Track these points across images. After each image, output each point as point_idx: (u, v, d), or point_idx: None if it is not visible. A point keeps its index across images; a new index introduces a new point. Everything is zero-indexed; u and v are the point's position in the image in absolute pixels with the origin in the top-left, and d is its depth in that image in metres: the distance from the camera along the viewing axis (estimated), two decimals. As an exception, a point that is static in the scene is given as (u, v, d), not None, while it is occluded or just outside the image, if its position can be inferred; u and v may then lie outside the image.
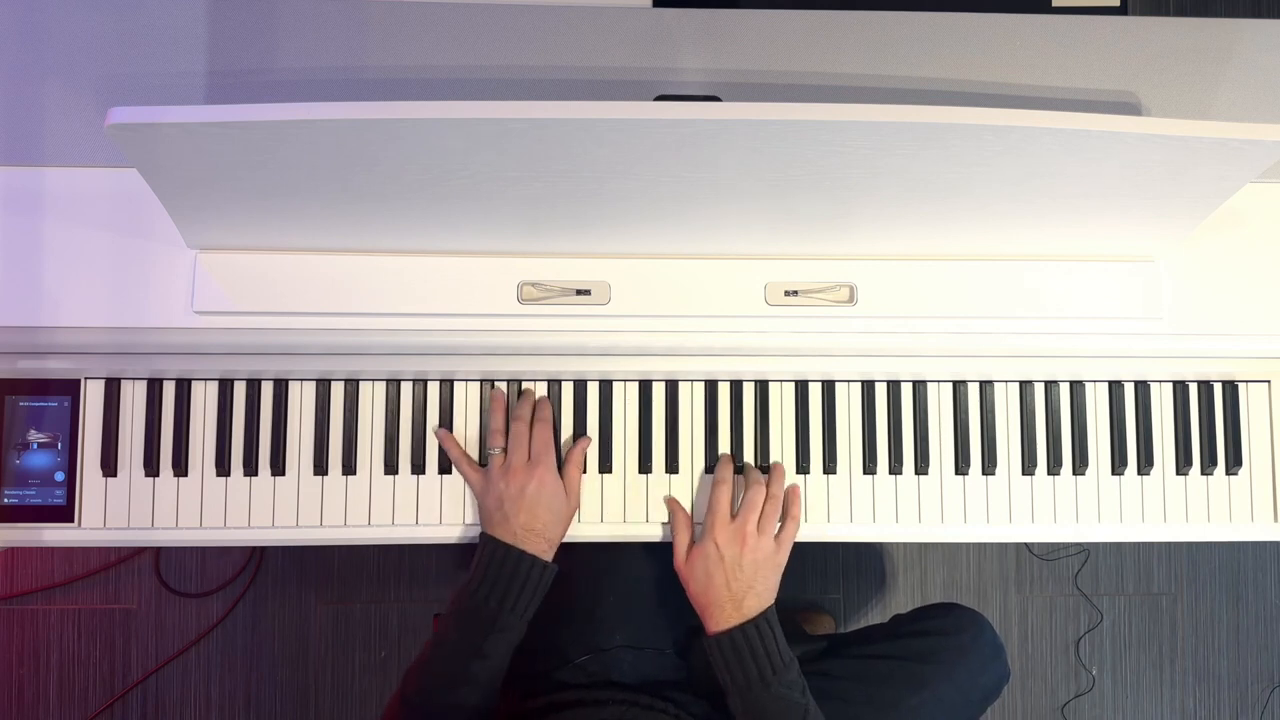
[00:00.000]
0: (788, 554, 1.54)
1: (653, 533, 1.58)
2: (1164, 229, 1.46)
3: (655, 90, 1.56)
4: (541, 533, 1.48)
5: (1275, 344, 1.56)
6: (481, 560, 1.47)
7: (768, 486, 1.54)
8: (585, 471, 1.59)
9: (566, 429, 1.60)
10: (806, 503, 1.59)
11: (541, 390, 1.59)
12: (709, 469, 1.59)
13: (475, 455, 1.58)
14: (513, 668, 1.51)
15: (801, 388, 1.61)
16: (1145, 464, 1.62)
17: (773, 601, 1.50)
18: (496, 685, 1.45)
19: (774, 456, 1.60)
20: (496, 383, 1.58)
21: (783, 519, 1.55)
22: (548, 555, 1.49)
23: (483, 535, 1.50)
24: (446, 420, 1.58)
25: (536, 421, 1.54)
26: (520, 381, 1.59)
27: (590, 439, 1.59)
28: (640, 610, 1.62)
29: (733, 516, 1.51)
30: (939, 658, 1.65)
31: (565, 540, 1.56)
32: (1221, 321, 1.54)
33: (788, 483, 1.58)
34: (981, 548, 2.77)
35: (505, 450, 1.52)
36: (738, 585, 1.47)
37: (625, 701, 1.53)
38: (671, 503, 1.57)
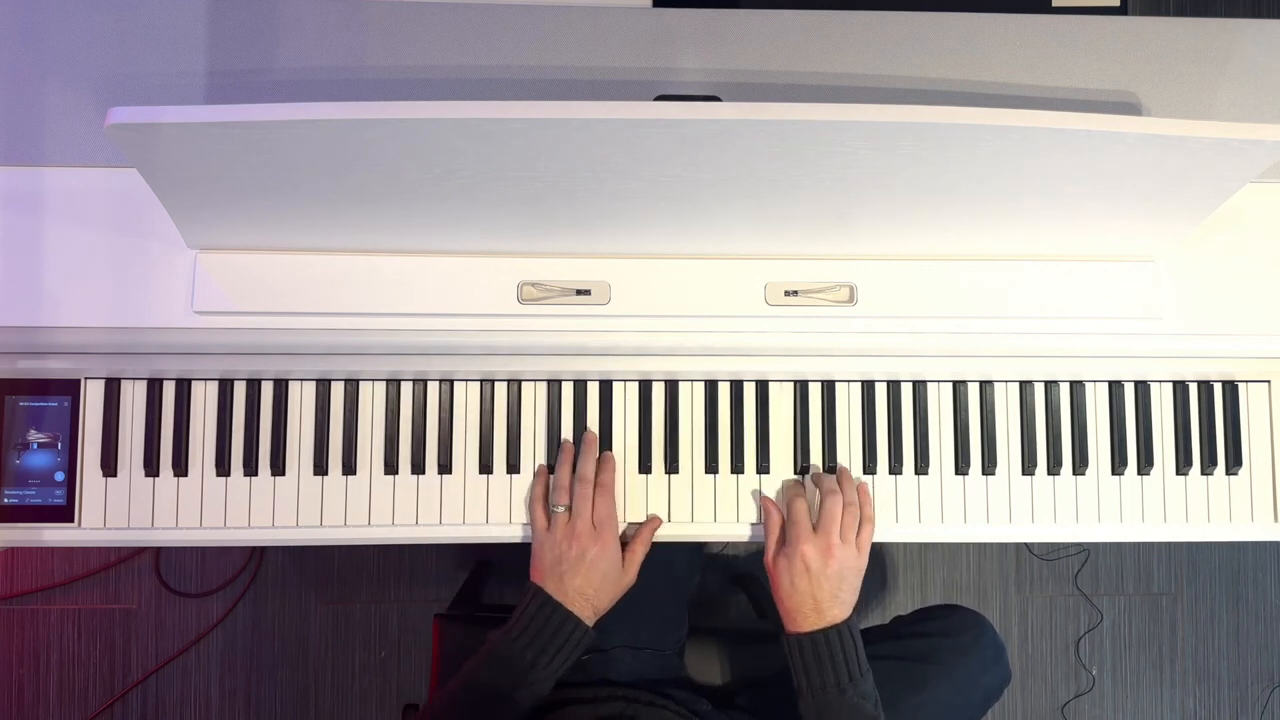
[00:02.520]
0: (867, 559, 1.53)
1: (661, 533, 1.58)
2: (1164, 229, 1.46)
3: (655, 90, 1.56)
4: (592, 599, 1.49)
5: (1275, 344, 1.56)
6: (527, 610, 1.47)
7: (842, 492, 1.53)
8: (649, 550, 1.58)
9: (567, 429, 1.60)
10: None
11: (541, 390, 1.59)
12: (709, 469, 1.59)
13: (476, 462, 1.58)
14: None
15: (801, 388, 1.61)
16: (1145, 464, 1.62)
17: (853, 609, 1.50)
18: None
19: (774, 457, 1.60)
20: (496, 382, 1.59)
21: (861, 520, 1.54)
22: (589, 620, 1.49)
23: (532, 585, 1.50)
24: (446, 420, 1.58)
25: (600, 487, 1.54)
26: (520, 381, 1.59)
27: (661, 520, 1.59)
28: (639, 611, 1.61)
29: (814, 526, 1.51)
30: (940, 658, 1.65)
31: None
32: (1221, 321, 1.54)
33: (857, 482, 1.60)
34: (982, 548, 2.77)
35: (569, 508, 1.52)
36: (823, 594, 1.47)
37: (627, 698, 1.54)
38: (766, 502, 1.57)
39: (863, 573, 1.52)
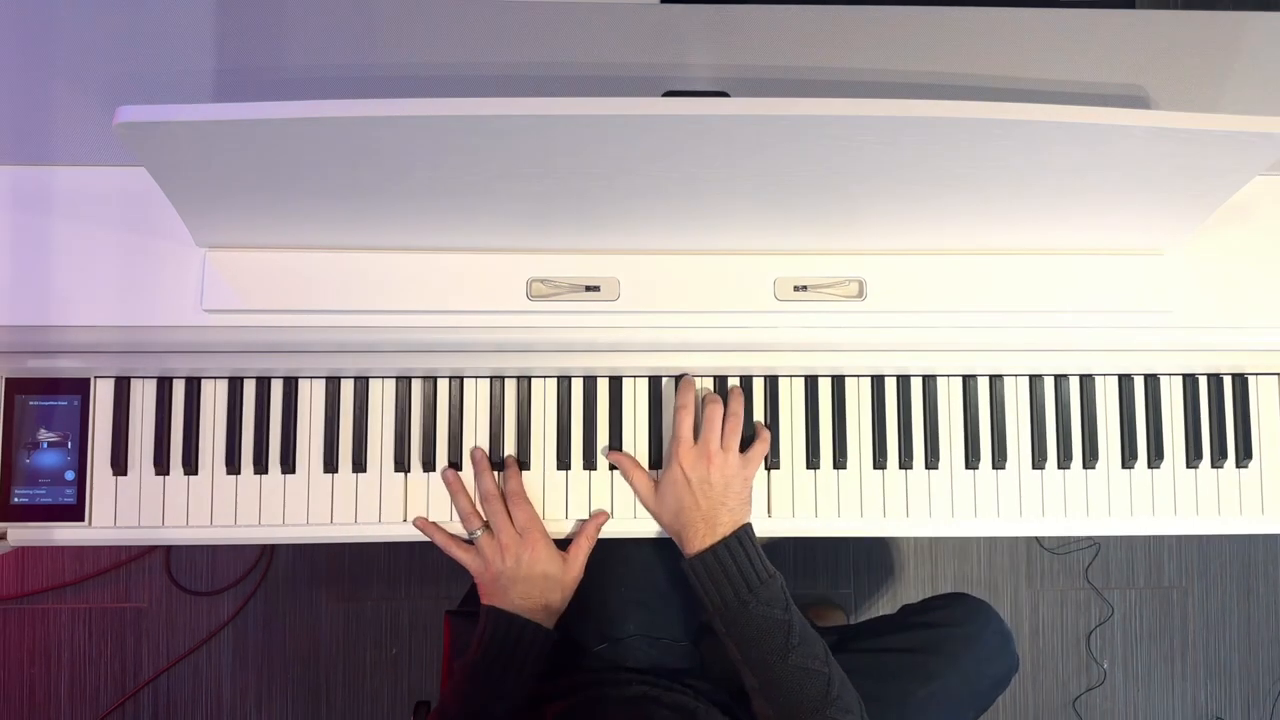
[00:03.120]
0: (756, 468, 1.55)
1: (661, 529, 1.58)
2: (1173, 222, 1.46)
3: (663, 86, 1.56)
4: (539, 599, 1.51)
5: (1285, 337, 1.56)
6: (484, 632, 1.50)
7: (726, 405, 1.54)
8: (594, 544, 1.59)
9: (577, 426, 1.60)
10: (817, 498, 1.59)
11: (551, 387, 1.59)
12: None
13: (485, 447, 1.58)
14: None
15: (811, 383, 1.61)
16: (1155, 457, 1.62)
17: (748, 518, 1.51)
18: None
19: (784, 451, 1.60)
20: (506, 379, 1.59)
21: (753, 438, 1.56)
22: (548, 622, 1.52)
23: (482, 608, 1.52)
24: (456, 418, 1.58)
25: (510, 496, 1.55)
26: (530, 378, 1.59)
27: (608, 515, 1.59)
28: (653, 601, 1.62)
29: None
30: (947, 649, 1.65)
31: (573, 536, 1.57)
32: (1231, 314, 1.54)
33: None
34: (992, 542, 2.77)
35: (486, 527, 1.54)
36: (708, 503, 1.48)
37: (646, 683, 1.54)
38: (612, 455, 1.58)
39: (750, 483, 1.54)
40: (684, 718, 1.48)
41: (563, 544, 1.57)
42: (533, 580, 1.51)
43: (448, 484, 1.57)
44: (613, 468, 1.59)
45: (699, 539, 1.47)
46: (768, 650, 1.43)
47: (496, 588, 1.51)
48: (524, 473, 1.58)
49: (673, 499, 1.50)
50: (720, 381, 1.60)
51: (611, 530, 1.59)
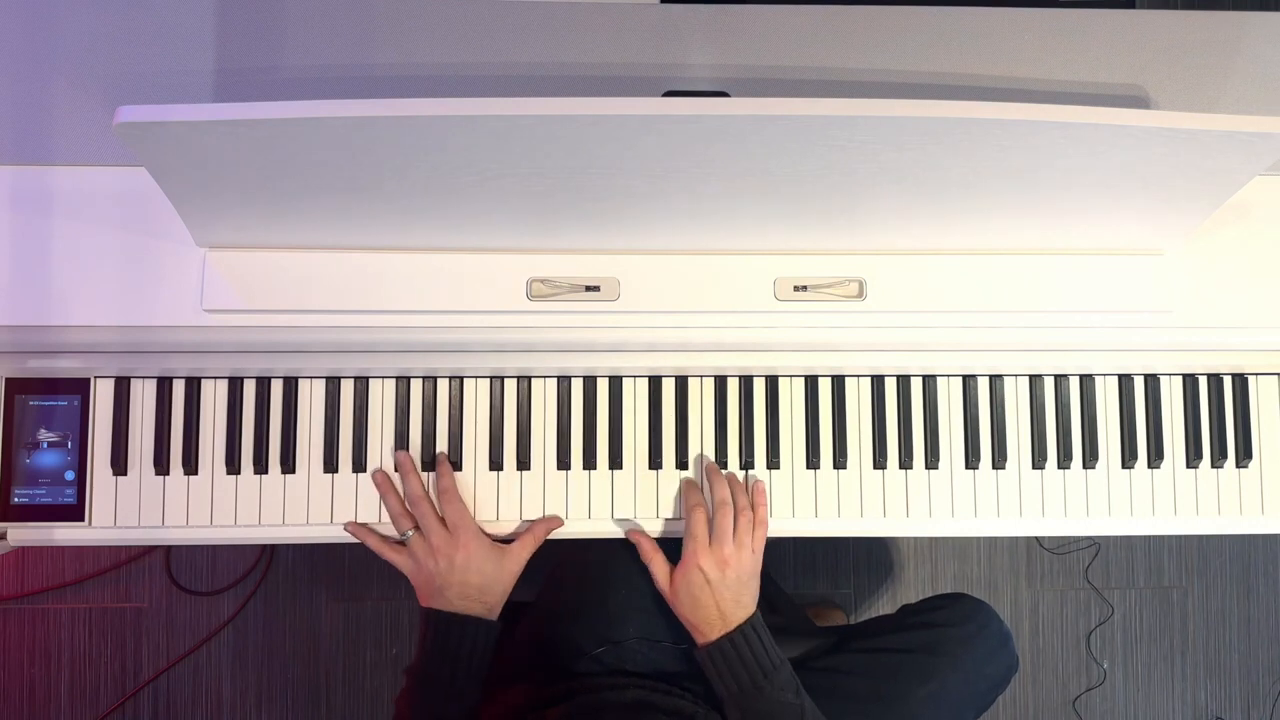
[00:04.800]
0: (762, 557, 1.55)
1: (669, 529, 1.58)
2: (1172, 222, 1.46)
3: (663, 86, 1.56)
4: (476, 597, 1.51)
5: (1285, 336, 1.56)
6: (425, 635, 1.51)
7: (734, 501, 1.55)
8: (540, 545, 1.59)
9: (577, 426, 1.60)
10: (817, 498, 1.59)
11: (551, 387, 1.59)
12: (718, 465, 1.59)
13: (486, 458, 1.58)
14: (529, 659, 1.55)
15: (811, 383, 1.61)
16: (1155, 457, 1.62)
17: (755, 607, 1.52)
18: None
19: (784, 452, 1.60)
20: (506, 379, 1.59)
21: (754, 524, 1.55)
22: (487, 614, 1.52)
23: (421, 610, 1.53)
24: (456, 418, 1.58)
25: (443, 493, 1.55)
26: (530, 378, 1.59)
27: (561, 521, 1.59)
28: (652, 604, 1.62)
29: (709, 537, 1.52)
30: (946, 648, 1.65)
31: (578, 536, 1.58)
32: (1231, 314, 1.54)
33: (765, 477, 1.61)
34: (992, 542, 2.77)
35: (416, 529, 1.54)
36: (725, 603, 1.49)
37: (645, 688, 1.55)
38: (634, 535, 1.58)
39: (759, 574, 1.54)
40: None
41: (578, 541, 1.59)
42: (468, 580, 1.50)
43: (377, 485, 1.57)
44: (615, 466, 1.59)
45: (713, 631, 1.49)
46: None
47: (432, 589, 1.51)
48: (523, 473, 1.58)
49: (689, 596, 1.50)
50: (720, 382, 1.60)
51: (611, 530, 1.59)
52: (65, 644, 2.64)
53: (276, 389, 1.57)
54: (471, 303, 1.47)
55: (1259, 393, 1.64)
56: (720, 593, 1.49)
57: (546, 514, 1.58)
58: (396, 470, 1.58)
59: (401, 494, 1.56)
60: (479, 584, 1.51)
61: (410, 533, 1.53)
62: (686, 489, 1.58)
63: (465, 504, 1.56)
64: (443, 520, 1.53)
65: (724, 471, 1.60)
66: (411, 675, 1.50)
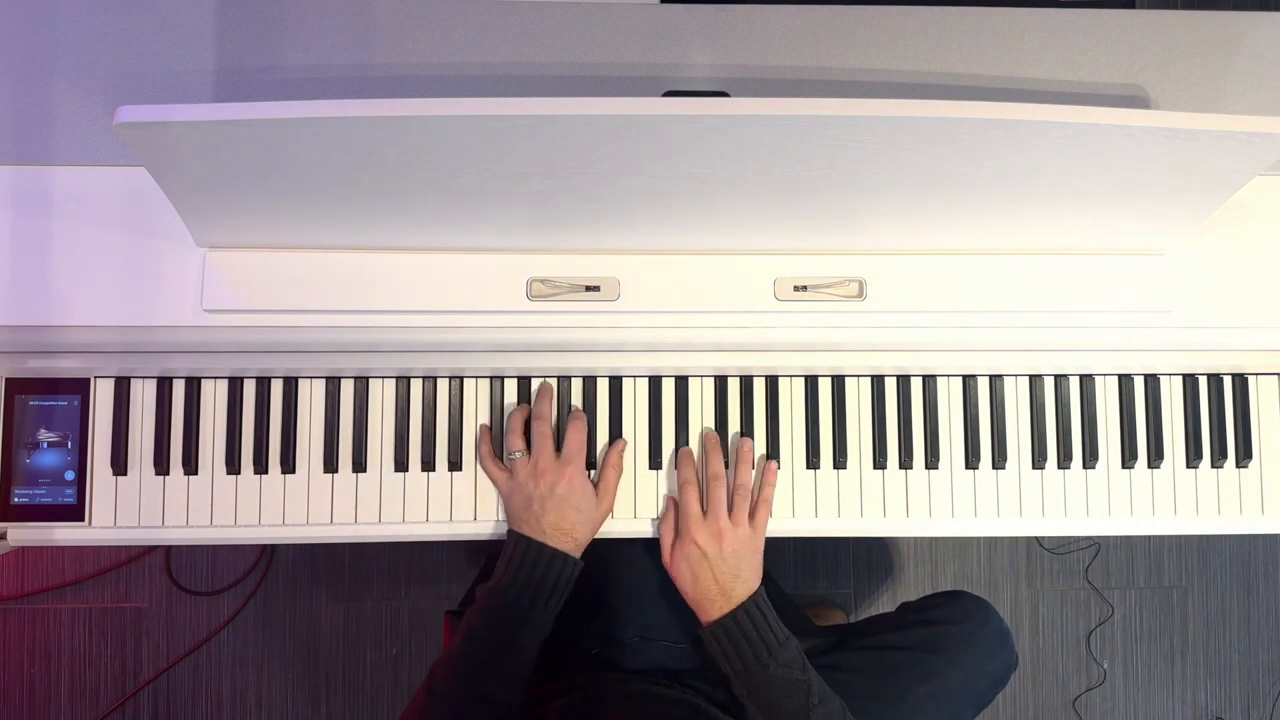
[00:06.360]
0: (764, 534, 1.55)
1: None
2: (1172, 222, 1.46)
3: (663, 86, 1.56)
4: (570, 532, 1.49)
5: (1284, 336, 1.56)
6: (513, 558, 1.48)
7: (737, 476, 1.55)
8: (622, 474, 1.59)
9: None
10: (817, 498, 1.59)
11: (551, 385, 1.59)
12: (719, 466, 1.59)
13: (486, 446, 1.58)
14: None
15: (811, 383, 1.61)
16: (1155, 457, 1.62)
17: (759, 583, 1.51)
18: (525, 678, 1.46)
19: (784, 452, 1.60)
20: (506, 379, 1.59)
21: (756, 502, 1.56)
22: (575, 553, 1.50)
23: (511, 533, 1.51)
24: (456, 417, 1.58)
25: (572, 416, 1.55)
26: (530, 378, 1.59)
27: (625, 442, 1.59)
28: (652, 602, 1.62)
29: (704, 511, 1.52)
30: (945, 646, 1.65)
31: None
32: (1230, 314, 1.54)
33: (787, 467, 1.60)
34: (992, 542, 2.77)
35: (527, 451, 1.53)
36: (724, 577, 1.48)
37: (646, 682, 1.55)
38: (669, 501, 1.58)
39: (760, 550, 1.53)
40: (689, 713, 1.49)
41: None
42: (565, 512, 1.49)
43: (517, 407, 1.58)
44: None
45: (715, 609, 1.48)
46: (789, 711, 1.44)
47: (529, 514, 1.50)
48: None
49: (689, 572, 1.50)
50: (720, 382, 1.60)
51: (614, 530, 1.59)
52: (65, 644, 2.64)
53: (276, 389, 1.57)
54: (471, 303, 1.47)
55: (1259, 393, 1.64)
56: (718, 566, 1.48)
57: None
58: (539, 393, 1.58)
59: (527, 414, 1.57)
60: (575, 519, 1.50)
61: (517, 454, 1.52)
62: (681, 463, 1.57)
63: (584, 441, 1.56)
64: (556, 449, 1.53)
65: (747, 446, 1.59)
66: (490, 595, 1.48)
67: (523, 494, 1.51)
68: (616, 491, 1.57)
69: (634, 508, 1.58)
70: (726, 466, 1.57)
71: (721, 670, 1.48)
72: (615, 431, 1.60)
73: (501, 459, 1.56)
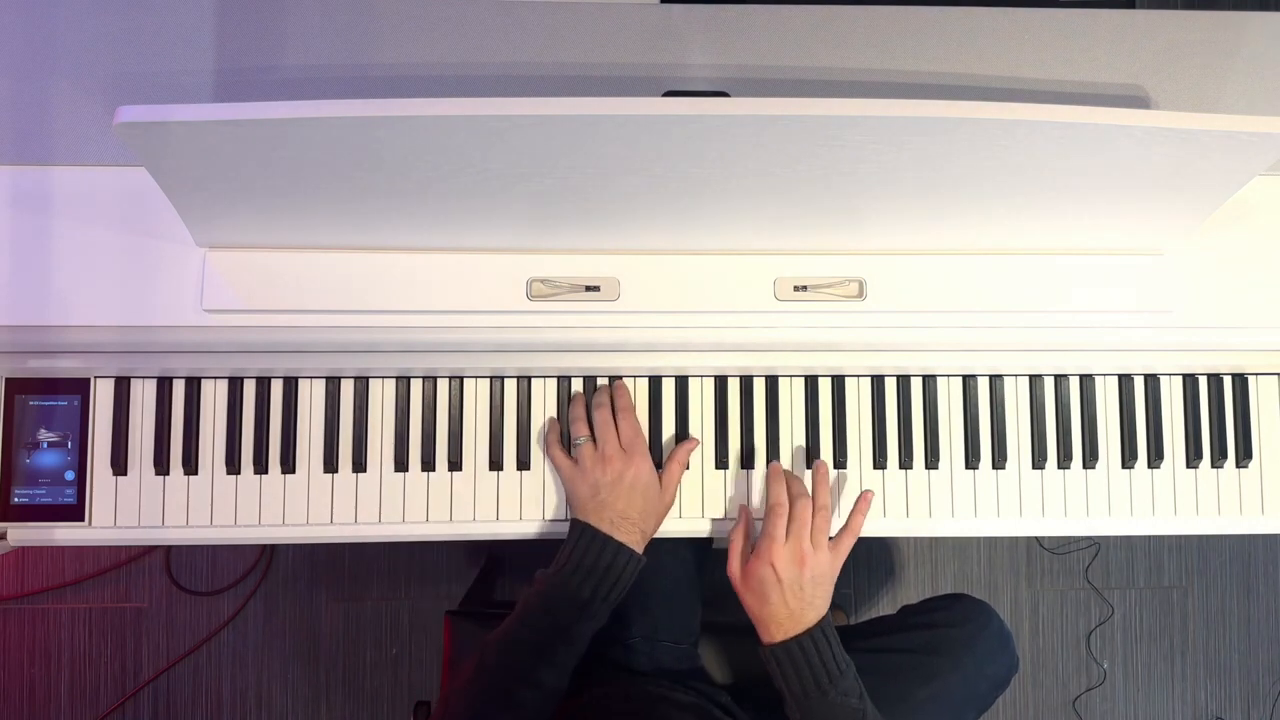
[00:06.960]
0: (844, 560, 1.51)
1: (665, 528, 1.58)
2: (1172, 222, 1.46)
3: (663, 86, 1.56)
4: (637, 522, 1.48)
5: (1285, 336, 1.56)
6: (577, 546, 1.46)
7: (815, 498, 1.52)
8: (688, 468, 1.59)
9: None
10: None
11: (551, 387, 1.59)
12: (719, 464, 1.60)
13: (486, 458, 1.58)
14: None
15: (811, 383, 1.61)
16: (1155, 457, 1.62)
17: (828, 610, 1.48)
18: (572, 669, 1.44)
19: (784, 452, 1.60)
20: (506, 379, 1.59)
21: (844, 529, 1.52)
22: (639, 547, 1.48)
23: (575, 521, 1.49)
24: (456, 417, 1.58)
25: (622, 411, 1.54)
26: (530, 378, 1.59)
27: (697, 441, 1.59)
28: (655, 603, 1.62)
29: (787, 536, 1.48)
30: (946, 649, 1.65)
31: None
32: (1231, 314, 1.54)
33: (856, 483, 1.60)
34: (992, 542, 2.77)
35: (591, 439, 1.52)
36: (796, 603, 1.45)
37: (651, 684, 1.55)
38: (743, 510, 1.56)
39: (836, 577, 1.50)
40: (697, 716, 1.48)
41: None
42: (633, 500, 1.48)
43: (576, 396, 1.58)
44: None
45: (780, 631, 1.45)
46: None
47: (594, 503, 1.48)
48: (524, 473, 1.58)
49: (759, 590, 1.46)
50: (720, 382, 1.60)
51: (669, 529, 1.59)
52: (65, 644, 2.64)
53: (276, 389, 1.57)
54: (472, 303, 1.47)
55: (1259, 393, 1.64)
56: (792, 593, 1.44)
57: (549, 515, 1.58)
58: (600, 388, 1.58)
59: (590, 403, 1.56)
60: (641, 507, 1.48)
61: (583, 440, 1.52)
62: (771, 483, 1.54)
63: (642, 428, 1.55)
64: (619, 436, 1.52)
65: (823, 469, 1.58)
66: (552, 581, 1.45)
67: (589, 481, 1.49)
68: (679, 488, 1.56)
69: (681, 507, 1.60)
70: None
71: (776, 688, 1.47)
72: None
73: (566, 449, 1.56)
